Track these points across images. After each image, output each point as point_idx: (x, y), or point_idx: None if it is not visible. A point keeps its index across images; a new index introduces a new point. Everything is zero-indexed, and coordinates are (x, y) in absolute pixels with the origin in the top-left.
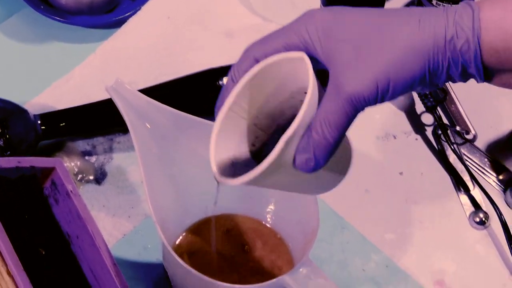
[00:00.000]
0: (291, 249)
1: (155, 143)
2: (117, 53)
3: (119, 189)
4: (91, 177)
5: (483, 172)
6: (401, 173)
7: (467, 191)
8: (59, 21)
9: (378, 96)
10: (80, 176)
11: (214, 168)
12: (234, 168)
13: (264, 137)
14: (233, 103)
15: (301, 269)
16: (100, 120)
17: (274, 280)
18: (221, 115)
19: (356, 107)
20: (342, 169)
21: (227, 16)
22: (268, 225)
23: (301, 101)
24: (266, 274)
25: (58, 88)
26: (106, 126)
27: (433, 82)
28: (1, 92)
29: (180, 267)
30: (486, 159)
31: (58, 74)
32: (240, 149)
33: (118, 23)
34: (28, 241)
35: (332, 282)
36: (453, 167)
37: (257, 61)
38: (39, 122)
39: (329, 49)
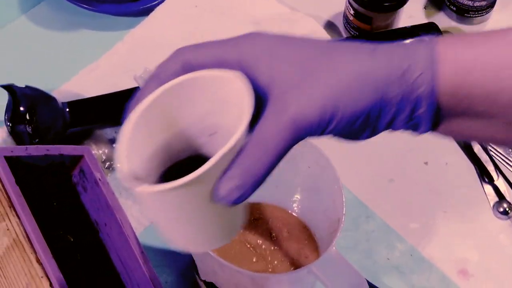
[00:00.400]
0: (317, 238)
1: None
2: (144, 41)
3: None
4: None
5: (507, 162)
6: (426, 163)
7: (491, 181)
8: (86, 8)
9: (322, 123)
10: (107, 163)
11: (124, 169)
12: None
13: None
14: (149, 106)
15: (327, 259)
16: None
17: (301, 269)
18: (134, 116)
19: (298, 131)
20: (235, 228)
21: (254, 5)
22: (294, 214)
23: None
24: (293, 262)
25: (86, 75)
26: None
27: (377, 124)
28: (29, 79)
29: (208, 256)
30: (510, 150)
31: (86, 61)
32: (143, 170)
33: (146, 11)
34: (56, 228)
35: (358, 271)
36: (478, 157)
37: (185, 65)
38: (67, 109)
39: (272, 70)
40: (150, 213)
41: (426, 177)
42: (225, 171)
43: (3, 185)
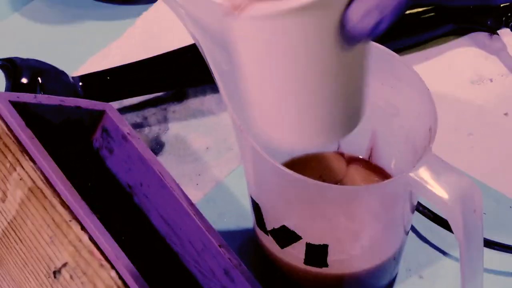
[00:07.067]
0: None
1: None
2: (158, 23)
3: (180, 158)
4: None
5: None
6: (506, 114)
7: None
8: None
9: None
10: None
11: None
12: None
13: None
14: None
15: (426, 164)
16: (150, 79)
17: (394, 179)
18: None
19: None
20: (357, 106)
21: None
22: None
23: None
24: None
25: (95, 64)
26: (157, 86)
27: None
28: None
29: (279, 177)
30: None
31: (94, 52)
32: None
33: None
34: None
35: (469, 178)
36: None
37: None
38: (80, 84)
39: None
40: (248, 70)
41: (509, 129)
42: None
43: (10, 130)
